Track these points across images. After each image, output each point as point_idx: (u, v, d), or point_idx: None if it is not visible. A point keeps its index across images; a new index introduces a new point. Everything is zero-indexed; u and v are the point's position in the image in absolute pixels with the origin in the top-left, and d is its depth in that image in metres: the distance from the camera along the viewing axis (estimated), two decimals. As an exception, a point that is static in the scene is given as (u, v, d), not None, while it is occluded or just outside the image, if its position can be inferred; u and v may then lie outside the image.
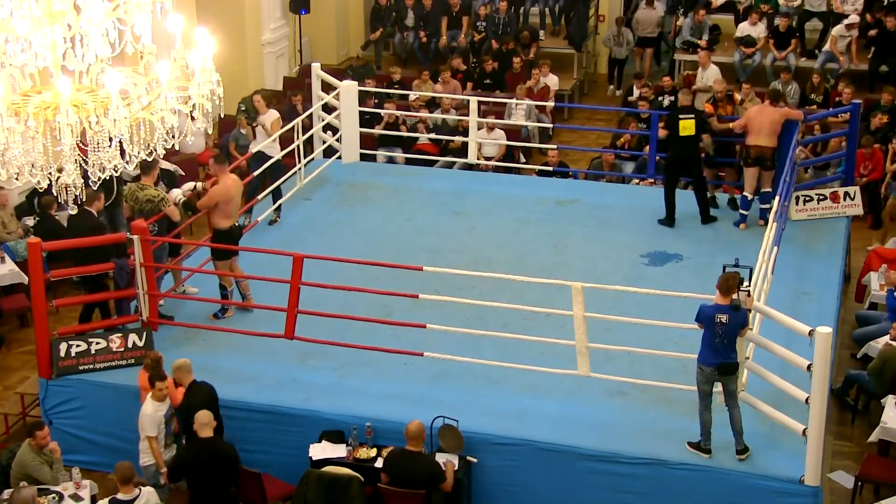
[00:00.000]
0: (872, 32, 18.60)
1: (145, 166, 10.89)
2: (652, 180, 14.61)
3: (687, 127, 13.16)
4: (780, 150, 12.98)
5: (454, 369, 10.41)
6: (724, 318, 9.05)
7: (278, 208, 13.71)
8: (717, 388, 9.35)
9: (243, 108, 15.86)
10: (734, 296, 9.09)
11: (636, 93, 17.67)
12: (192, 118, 7.39)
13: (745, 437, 9.31)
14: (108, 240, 11.26)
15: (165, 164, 12.72)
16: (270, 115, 14.40)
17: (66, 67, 7.10)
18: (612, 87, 20.74)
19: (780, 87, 13.37)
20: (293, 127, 14.04)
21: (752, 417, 9.52)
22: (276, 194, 13.76)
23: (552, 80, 18.18)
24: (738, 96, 15.29)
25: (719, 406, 9.40)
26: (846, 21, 18.69)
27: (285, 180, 14.07)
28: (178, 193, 11.87)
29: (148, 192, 11.31)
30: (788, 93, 16.77)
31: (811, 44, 19.41)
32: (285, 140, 14.24)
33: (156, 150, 7.43)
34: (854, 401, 11.32)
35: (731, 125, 13.47)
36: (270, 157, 13.73)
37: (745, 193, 13.20)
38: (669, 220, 13.50)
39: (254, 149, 14.11)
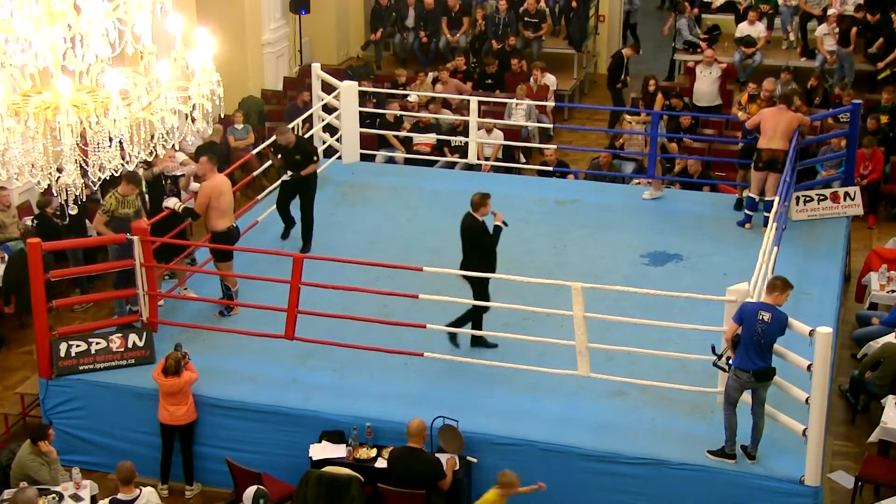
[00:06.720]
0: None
1: (125, 176, 10.89)
2: (650, 181, 14.58)
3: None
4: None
5: (454, 369, 10.41)
6: (766, 316, 8.94)
7: None
8: (717, 388, 9.34)
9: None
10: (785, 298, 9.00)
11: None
12: (193, 119, 7.39)
13: (744, 436, 9.30)
14: (107, 240, 11.25)
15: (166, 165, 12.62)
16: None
17: (66, 67, 7.10)
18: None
19: (790, 90, 13.26)
20: (293, 127, 14.04)
21: (752, 417, 9.52)
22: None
23: (550, 80, 18.19)
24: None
25: (718, 405, 9.40)
26: (829, 16, 18.75)
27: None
28: (174, 200, 11.75)
29: (105, 200, 11.37)
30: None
31: (812, 44, 19.41)
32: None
33: (156, 150, 7.44)
34: (854, 401, 11.31)
35: (743, 118, 13.37)
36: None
37: (751, 194, 13.16)
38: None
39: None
